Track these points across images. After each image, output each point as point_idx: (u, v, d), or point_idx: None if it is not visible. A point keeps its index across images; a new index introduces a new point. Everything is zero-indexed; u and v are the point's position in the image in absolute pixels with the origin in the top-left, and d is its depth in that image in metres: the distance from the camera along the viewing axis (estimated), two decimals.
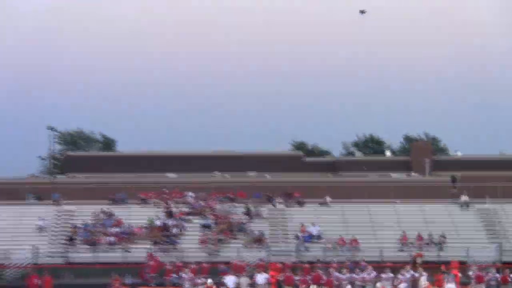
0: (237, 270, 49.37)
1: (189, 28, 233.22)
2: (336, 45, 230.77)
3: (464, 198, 66.15)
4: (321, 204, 65.61)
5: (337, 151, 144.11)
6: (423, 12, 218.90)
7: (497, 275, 48.11)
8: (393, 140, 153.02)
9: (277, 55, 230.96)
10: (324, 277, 45.50)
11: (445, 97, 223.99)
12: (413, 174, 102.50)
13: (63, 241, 59.71)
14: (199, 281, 45.42)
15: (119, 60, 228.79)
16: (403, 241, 59.73)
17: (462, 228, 62.58)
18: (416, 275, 47.89)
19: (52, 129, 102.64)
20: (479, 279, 47.62)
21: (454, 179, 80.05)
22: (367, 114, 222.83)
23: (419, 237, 59.80)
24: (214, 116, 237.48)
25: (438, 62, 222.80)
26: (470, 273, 48.97)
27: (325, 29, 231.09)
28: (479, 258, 55.32)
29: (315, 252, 58.03)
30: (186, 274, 47.78)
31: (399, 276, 46.49)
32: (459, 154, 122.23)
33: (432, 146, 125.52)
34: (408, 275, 47.12)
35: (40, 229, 61.10)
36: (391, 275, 46.34)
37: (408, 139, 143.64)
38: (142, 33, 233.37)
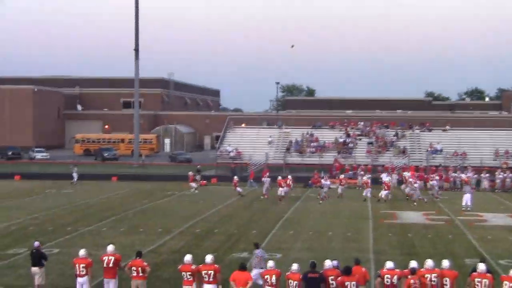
0: (388, 170, 49.06)
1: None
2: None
3: None
4: (443, 130, 63.57)
5: (454, 97, 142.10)
6: None
7: None
8: (491, 90, 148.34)
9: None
10: (444, 175, 44.42)
11: None
12: (503, 112, 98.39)
13: (283, 150, 60.59)
14: (366, 175, 45.19)
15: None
16: (496, 154, 57.13)
17: None
18: (504, 175, 46.59)
19: (277, 83, 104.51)
20: None
21: None
22: (474, 72, 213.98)
23: (506, 152, 57.00)
24: (377, 72, 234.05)
25: None
26: None
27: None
28: None
29: (438, 160, 56.44)
30: (358, 172, 47.82)
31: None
32: None
33: None
34: (500, 176, 46.01)
35: (270, 143, 62.13)
36: (488, 174, 45.05)
37: (500, 90, 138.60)
38: None
